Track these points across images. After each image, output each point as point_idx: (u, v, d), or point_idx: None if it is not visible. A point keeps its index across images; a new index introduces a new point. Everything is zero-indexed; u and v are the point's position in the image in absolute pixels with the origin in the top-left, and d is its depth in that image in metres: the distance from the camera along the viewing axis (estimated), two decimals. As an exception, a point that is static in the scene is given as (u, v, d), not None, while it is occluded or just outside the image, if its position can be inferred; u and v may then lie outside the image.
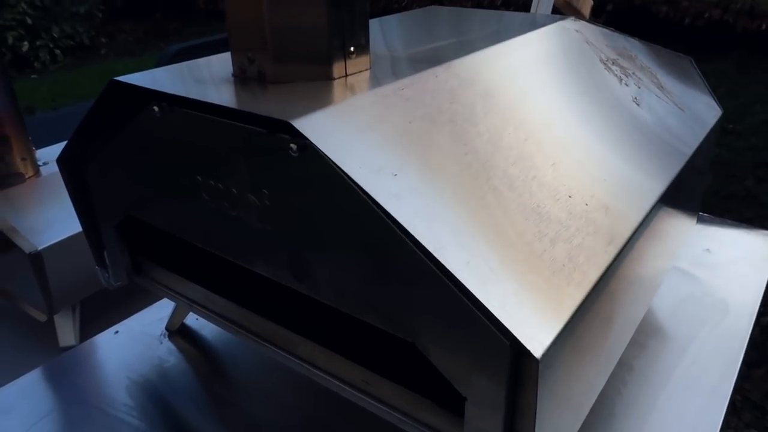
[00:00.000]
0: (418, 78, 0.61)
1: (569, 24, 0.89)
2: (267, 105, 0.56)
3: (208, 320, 0.77)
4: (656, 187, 0.66)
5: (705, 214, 1.28)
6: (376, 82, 0.60)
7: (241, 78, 0.63)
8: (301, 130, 0.48)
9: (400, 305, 0.52)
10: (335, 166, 0.48)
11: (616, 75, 0.82)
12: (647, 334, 0.93)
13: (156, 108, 0.63)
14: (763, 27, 4.20)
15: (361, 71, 0.64)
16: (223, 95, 0.59)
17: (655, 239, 0.70)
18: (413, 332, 0.52)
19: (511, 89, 0.68)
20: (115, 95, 0.66)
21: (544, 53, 0.79)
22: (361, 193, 0.48)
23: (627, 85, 0.81)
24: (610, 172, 0.64)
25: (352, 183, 0.48)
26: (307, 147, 0.51)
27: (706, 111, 0.90)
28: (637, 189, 0.65)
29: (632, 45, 0.96)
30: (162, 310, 1.00)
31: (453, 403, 0.54)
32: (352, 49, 0.62)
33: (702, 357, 0.89)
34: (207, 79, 0.64)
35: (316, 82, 0.61)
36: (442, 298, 0.47)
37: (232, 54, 0.64)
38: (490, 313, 0.44)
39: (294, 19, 0.59)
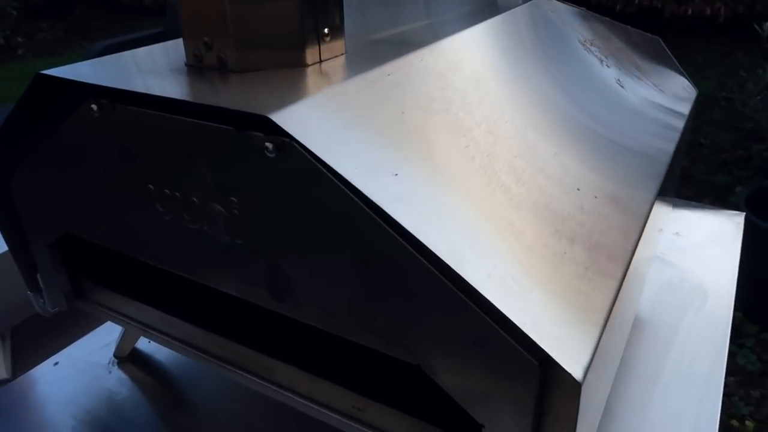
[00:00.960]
0: (402, 62, 0.54)
1: (543, 3, 0.83)
2: (233, 97, 0.47)
3: (165, 346, 0.68)
4: (656, 172, 0.62)
5: (667, 197, 1.27)
6: (356, 67, 0.52)
7: (196, 67, 0.54)
8: (281, 125, 0.40)
9: (404, 325, 0.44)
10: (324, 167, 0.40)
11: (596, 56, 0.77)
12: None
13: (94, 106, 0.53)
14: (689, 12, 4.34)
15: (336, 56, 0.56)
16: (177, 88, 0.49)
17: (649, 228, 0.66)
18: (419, 355, 0.45)
19: (499, 73, 0.61)
20: (43, 93, 0.56)
21: (524, 34, 0.73)
22: (357, 198, 0.40)
23: (608, 67, 0.77)
24: (610, 160, 0.59)
25: (345, 187, 0.40)
26: (286, 145, 0.43)
27: (684, 91, 0.87)
28: (639, 176, 0.60)
29: (605, 25, 0.91)
30: (109, 334, 0.89)
31: (461, 430, 0.48)
32: (326, 30, 0.53)
33: (689, 346, 0.86)
34: (155, 69, 0.54)
35: (286, 69, 0.52)
36: (459, 317, 0.40)
37: (184, 39, 0.54)
38: (521, 331, 0.38)
39: (258, -4, 0.50)
